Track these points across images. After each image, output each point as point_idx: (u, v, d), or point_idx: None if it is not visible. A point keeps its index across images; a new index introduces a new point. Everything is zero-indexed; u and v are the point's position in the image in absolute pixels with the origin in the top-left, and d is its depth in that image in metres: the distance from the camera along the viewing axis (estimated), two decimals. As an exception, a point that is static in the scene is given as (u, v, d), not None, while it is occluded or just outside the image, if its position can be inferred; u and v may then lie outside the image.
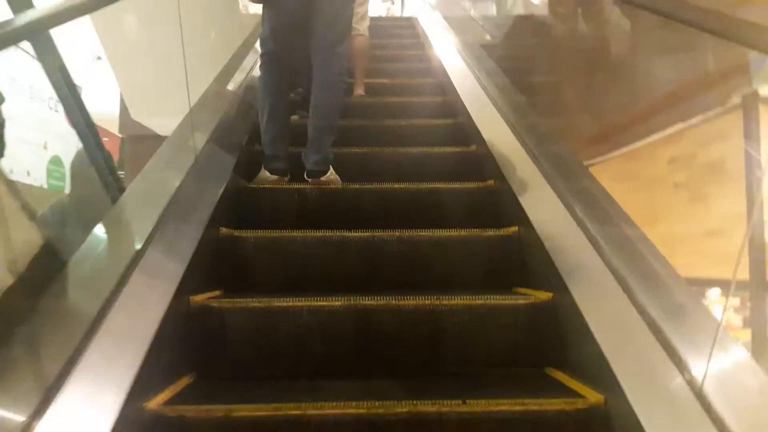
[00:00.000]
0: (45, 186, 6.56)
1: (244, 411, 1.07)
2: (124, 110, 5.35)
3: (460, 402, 1.09)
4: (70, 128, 1.90)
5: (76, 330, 1.02)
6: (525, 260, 1.70)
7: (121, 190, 1.84)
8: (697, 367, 0.98)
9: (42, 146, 6.60)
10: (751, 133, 2.68)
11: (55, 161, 6.88)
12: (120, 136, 5.99)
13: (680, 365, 1.00)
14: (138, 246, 1.31)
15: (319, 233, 1.77)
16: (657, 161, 3.46)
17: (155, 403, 1.08)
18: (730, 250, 2.62)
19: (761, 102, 2.66)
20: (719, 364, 0.99)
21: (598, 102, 3.11)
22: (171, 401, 1.11)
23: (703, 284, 3.06)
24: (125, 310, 1.13)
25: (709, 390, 0.93)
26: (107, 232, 1.37)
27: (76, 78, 1.89)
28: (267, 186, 2.11)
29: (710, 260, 2.92)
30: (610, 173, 3.83)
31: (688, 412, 0.92)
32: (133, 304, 1.16)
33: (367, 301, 1.43)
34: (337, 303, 1.43)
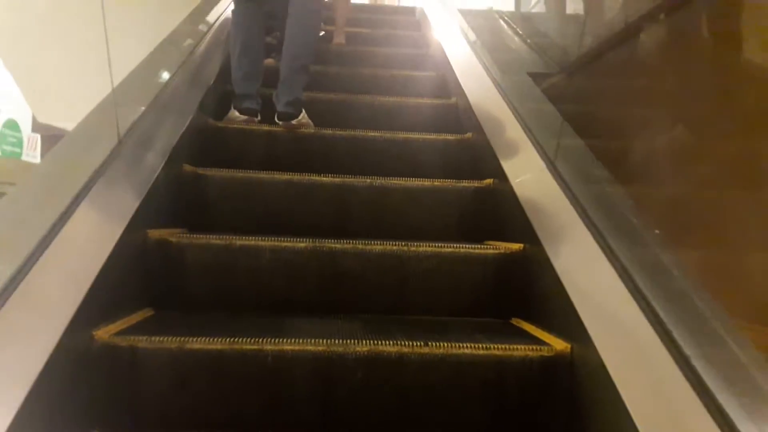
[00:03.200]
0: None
1: (198, 344, 1.02)
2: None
3: (422, 344, 1.06)
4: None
5: (14, 255, 0.95)
6: (499, 213, 1.67)
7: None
8: (671, 320, 0.96)
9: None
10: None
11: (10, 125, 6.47)
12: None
13: (652, 319, 0.98)
14: (86, 177, 1.22)
15: (287, 176, 1.70)
16: None
17: (105, 332, 1.02)
18: None
19: None
20: (690, 316, 0.97)
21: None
22: (123, 332, 1.05)
23: None
24: (71, 238, 1.05)
25: (681, 339, 0.91)
26: (53, 164, 1.28)
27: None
28: (235, 126, 2.02)
29: None
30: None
31: (656, 361, 0.90)
32: (79, 234, 1.08)
33: (333, 244, 1.39)
34: (301, 245, 1.38)
